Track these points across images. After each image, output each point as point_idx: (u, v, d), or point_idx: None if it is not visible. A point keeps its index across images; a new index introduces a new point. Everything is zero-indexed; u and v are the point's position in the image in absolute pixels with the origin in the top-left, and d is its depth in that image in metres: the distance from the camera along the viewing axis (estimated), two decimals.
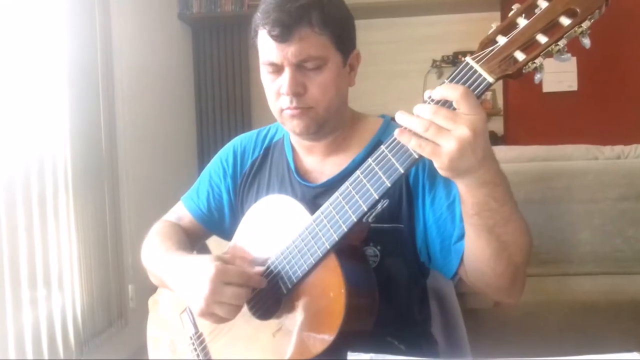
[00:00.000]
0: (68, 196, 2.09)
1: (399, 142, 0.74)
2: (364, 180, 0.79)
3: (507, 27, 0.71)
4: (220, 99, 3.50)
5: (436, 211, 0.91)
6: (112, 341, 2.33)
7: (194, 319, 1.01)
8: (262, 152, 1.09)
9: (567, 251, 2.09)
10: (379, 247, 0.93)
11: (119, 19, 2.52)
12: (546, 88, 3.38)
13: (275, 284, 0.89)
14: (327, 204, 0.83)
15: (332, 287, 0.81)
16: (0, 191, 1.77)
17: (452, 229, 0.89)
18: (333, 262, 0.82)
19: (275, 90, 0.93)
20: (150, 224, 1.14)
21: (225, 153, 1.12)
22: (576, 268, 2.08)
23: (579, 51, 0.73)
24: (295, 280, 0.86)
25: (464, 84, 0.70)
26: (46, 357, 1.93)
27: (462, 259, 0.88)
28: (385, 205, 0.91)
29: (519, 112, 3.51)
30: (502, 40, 0.70)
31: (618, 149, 2.20)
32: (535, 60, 0.69)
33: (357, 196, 0.79)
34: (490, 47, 0.71)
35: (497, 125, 3.48)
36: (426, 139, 0.69)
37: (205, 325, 0.99)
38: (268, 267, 0.90)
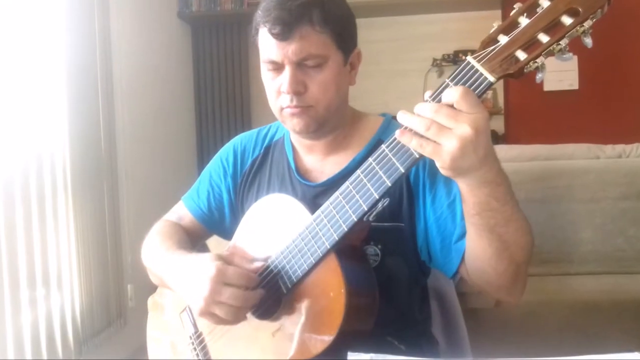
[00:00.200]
0: (67, 196, 2.09)
1: (399, 142, 0.74)
2: (365, 180, 0.78)
3: (509, 27, 0.71)
4: (220, 98, 3.49)
5: (437, 210, 0.91)
6: (111, 341, 2.32)
7: (193, 318, 1.01)
8: (262, 151, 1.09)
9: (568, 250, 2.09)
10: (379, 246, 0.93)
11: (118, 18, 2.52)
12: (547, 87, 3.38)
13: (275, 284, 0.88)
14: (327, 203, 0.83)
15: (332, 286, 0.81)
16: None
17: (453, 227, 0.89)
18: (333, 261, 0.82)
19: (276, 89, 0.93)
20: (149, 223, 1.14)
21: (225, 152, 1.12)
22: (577, 267, 2.08)
23: (580, 50, 0.73)
24: (295, 280, 0.86)
25: (465, 83, 0.70)
26: (45, 357, 1.93)
27: (463, 258, 0.88)
28: (385, 204, 0.91)
29: (520, 111, 3.50)
30: (503, 39, 0.70)
31: (619, 148, 2.20)
32: (537, 60, 0.69)
33: (357, 196, 0.79)
34: (492, 46, 0.70)
35: (498, 124, 3.47)
36: (427, 138, 0.69)
37: (204, 325, 0.98)
38: (268, 267, 0.90)
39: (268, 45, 0.91)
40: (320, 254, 0.83)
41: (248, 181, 1.08)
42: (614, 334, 1.79)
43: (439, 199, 0.91)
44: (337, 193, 0.82)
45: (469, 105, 0.68)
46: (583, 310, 1.86)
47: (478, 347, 1.15)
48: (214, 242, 1.16)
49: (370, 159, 0.78)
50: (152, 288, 1.13)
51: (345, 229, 0.80)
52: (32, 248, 1.90)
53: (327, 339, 0.80)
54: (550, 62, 0.70)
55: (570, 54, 0.69)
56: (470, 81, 0.70)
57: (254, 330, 0.91)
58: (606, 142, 2.27)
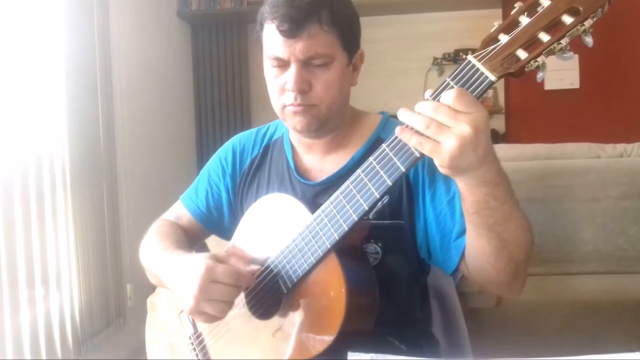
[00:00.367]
0: (66, 195, 2.09)
1: (400, 141, 0.74)
2: (365, 179, 0.78)
3: (509, 26, 0.71)
4: (219, 96, 3.49)
5: (436, 207, 0.91)
6: (110, 341, 2.32)
7: (193, 319, 1.01)
8: (261, 150, 1.08)
9: (569, 250, 2.09)
10: (380, 244, 0.93)
11: (118, 16, 2.51)
12: (548, 86, 3.37)
13: (275, 284, 0.88)
14: (327, 202, 0.83)
15: (332, 286, 0.81)
16: None
17: (452, 224, 0.89)
18: (334, 261, 0.82)
19: (279, 86, 0.92)
20: (148, 222, 1.13)
21: (224, 152, 1.12)
22: (578, 267, 2.08)
23: (581, 49, 0.72)
24: (295, 280, 0.86)
25: (466, 82, 0.70)
26: (44, 357, 1.92)
27: (463, 255, 0.88)
28: (385, 201, 0.91)
29: (521, 110, 3.50)
30: (504, 38, 0.70)
31: (620, 147, 2.20)
32: (538, 59, 0.69)
33: (358, 195, 0.79)
34: (493, 45, 0.70)
35: (499, 123, 3.47)
36: (427, 136, 0.69)
37: (204, 325, 0.98)
38: (268, 266, 0.90)
39: (274, 42, 0.90)
40: (321, 254, 0.82)
41: (247, 181, 1.08)
42: (614, 333, 1.79)
43: (439, 196, 0.91)
44: (337, 192, 0.82)
45: (465, 105, 0.68)
46: (584, 310, 1.86)
47: (478, 346, 1.15)
48: (213, 242, 1.16)
49: (370, 158, 0.78)
50: (151, 288, 1.12)
51: (346, 229, 0.80)
52: (31, 247, 1.89)
53: (328, 338, 0.80)
54: (551, 61, 0.70)
55: (571, 53, 0.69)
56: (471, 80, 0.70)
57: (254, 330, 0.90)
58: (607, 141, 2.27)
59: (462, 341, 1.14)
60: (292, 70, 0.90)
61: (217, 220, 1.11)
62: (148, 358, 1.11)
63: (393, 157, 0.75)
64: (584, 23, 0.67)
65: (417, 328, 1.01)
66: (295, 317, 0.86)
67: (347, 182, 0.81)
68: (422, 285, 1.04)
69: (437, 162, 0.70)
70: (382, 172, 0.76)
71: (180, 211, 1.14)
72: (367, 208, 0.79)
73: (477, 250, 0.82)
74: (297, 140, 1.03)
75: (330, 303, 0.81)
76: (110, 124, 2.41)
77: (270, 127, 1.11)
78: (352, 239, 0.85)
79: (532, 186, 2.09)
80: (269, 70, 0.94)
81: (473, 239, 0.81)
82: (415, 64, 3.48)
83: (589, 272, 2.07)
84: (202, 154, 3.44)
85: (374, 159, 0.77)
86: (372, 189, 0.77)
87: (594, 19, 0.67)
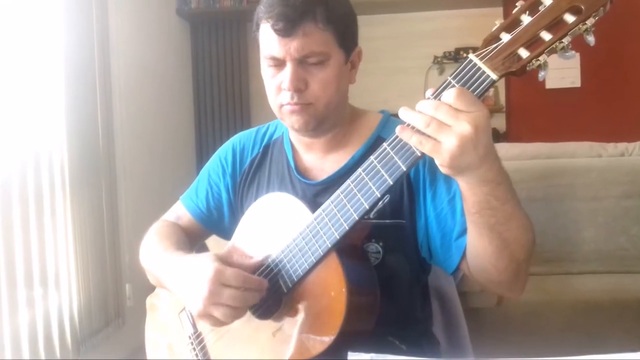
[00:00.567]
0: (65, 194, 2.08)
1: (401, 140, 0.74)
2: (366, 178, 0.78)
3: (511, 24, 0.71)
4: (219, 95, 3.48)
5: (437, 206, 0.91)
6: (109, 341, 2.31)
7: (193, 318, 1.00)
8: (261, 149, 1.08)
9: (570, 250, 2.09)
10: (381, 244, 0.93)
11: (117, 14, 2.50)
12: (549, 84, 3.36)
13: (275, 283, 0.88)
14: (328, 202, 0.83)
15: (333, 286, 0.81)
16: None
17: (453, 224, 0.89)
18: (334, 260, 0.82)
19: (276, 85, 0.92)
20: (147, 222, 1.13)
21: (224, 151, 1.11)
22: (579, 267, 2.08)
23: (582, 47, 0.72)
24: (295, 279, 0.85)
25: (467, 81, 0.70)
26: (43, 357, 1.92)
27: (464, 255, 0.88)
28: (386, 200, 0.91)
29: (522, 109, 3.49)
30: (505, 37, 0.70)
31: (622, 146, 2.20)
32: (539, 58, 0.69)
33: (359, 194, 0.79)
34: (494, 44, 0.70)
35: (499, 122, 3.47)
36: (428, 135, 0.69)
37: (204, 325, 0.97)
38: (268, 266, 0.89)
39: (270, 41, 0.90)
40: (322, 253, 0.82)
41: (247, 180, 1.07)
42: (616, 333, 1.79)
43: (439, 195, 0.91)
44: (338, 192, 0.82)
45: (465, 104, 0.68)
46: (585, 309, 1.86)
47: (479, 346, 1.15)
48: (213, 242, 1.16)
49: (371, 157, 0.78)
50: (151, 288, 1.12)
51: (347, 228, 0.80)
52: (30, 247, 1.88)
53: (328, 339, 0.79)
54: (552, 60, 0.70)
55: (573, 52, 0.69)
56: (473, 79, 0.70)
57: (254, 330, 0.90)
58: (608, 140, 2.27)
59: (462, 341, 1.14)
60: (288, 69, 0.90)
61: (218, 220, 1.11)
62: (147, 358, 1.11)
63: (394, 156, 0.75)
64: (586, 22, 0.66)
65: (417, 328, 1.00)
66: (296, 317, 0.85)
67: (348, 181, 0.80)
68: (423, 285, 1.04)
69: (437, 162, 0.70)
70: (383, 171, 0.76)
71: (180, 211, 1.14)
72: (368, 207, 0.78)
73: (479, 250, 0.82)
74: (297, 139, 1.02)
75: (330, 303, 0.81)
76: (109, 123, 2.41)
77: (270, 126, 1.10)
78: (353, 239, 0.85)
79: (533, 185, 2.09)
80: (266, 70, 0.94)
81: (474, 239, 0.81)
82: (416, 63, 3.47)
83: (590, 272, 2.07)
84: (202, 153, 3.44)
85: (375, 158, 0.77)
86: (373, 188, 0.77)
87: (596, 18, 0.67)
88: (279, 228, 0.90)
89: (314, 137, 0.99)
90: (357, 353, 0.60)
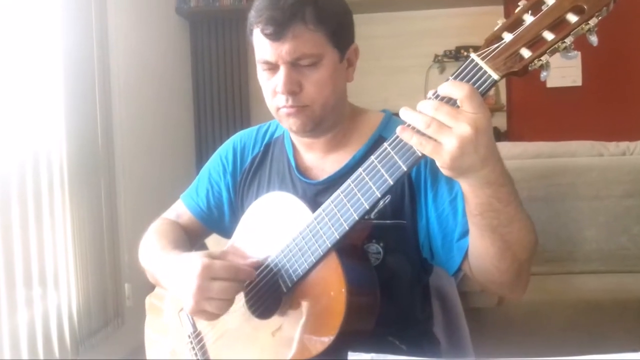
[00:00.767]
0: (64, 193, 2.08)
1: (402, 140, 0.73)
2: (366, 178, 0.78)
3: (513, 24, 0.70)
4: (218, 94, 3.48)
5: (438, 207, 0.91)
6: (108, 341, 2.31)
7: (192, 318, 1.00)
8: (262, 148, 1.08)
9: (571, 249, 2.09)
10: (382, 244, 0.93)
11: (116, 13, 2.50)
12: (550, 83, 3.35)
13: (275, 283, 0.88)
14: (328, 201, 0.82)
15: (332, 286, 0.80)
16: None
17: (454, 225, 0.89)
18: (334, 260, 0.81)
19: (272, 89, 0.92)
20: (147, 221, 1.13)
21: (224, 150, 1.11)
22: (581, 266, 2.08)
23: (584, 46, 0.72)
24: (295, 279, 0.85)
25: (468, 80, 0.70)
26: (41, 357, 1.91)
27: (466, 255, 0.87)
28: (387, 201, 0.91)
29: (523, 108, 3.49)
30: (507, 37, 0.70)
31: (623, 145, 2.20)
32: (542, 58, 0.68)
33: (359, 194, 0.79)
34: (496, 43, 0.70)
35: (501, 121, 3.46)
36: (428, 136, 0.69)
37: (203, 324, 0.97)
38: (268, 265, 0.89)
39: (262, 46, 0.90)
40: (321, 253, 0.82)
41: (248, 179, 1.07)
42: (617, 333, 1.79)
43: (441, 195, 0.91)
44: (338, 191, 0.81)
45: (472, 106, 0.67)
46: (586, 309, 1.85)
47: (480, 346, 1.15)
48: (213, 241, 1.16)
49: (372, 157, 0.77)
50: (150, 287, 1.12)
51: (347, 228, 0.80)
52: (29, 246, 1.88)
53: (327, 339, 0.79)
54: (553, 59, 0.69)
55: (575, 52, 0.68)
56: (474, 79, 0.70)
57: (254, 329, 0.90)
58: (610, 139, 2.27)
59: (463, 341, 1.14)
60: (281, 72, 0.90)
61: (218, 219, 1.11)
62: (147, 358, 1.11)
63: (395, 156, 0.74)
64: (589, 22, 0.66)
65: (418, 328, 1.00)
66: (295, 317, 0.85)
67: (348, 181, 0.80)
68: (424, 285, 1.04)
69: (438, 163, 0.70)
70: (383, 171, 0.76)
71: (180, 210, 1.13)
72: (368, 207, 0.78)
73: (481, 251, 0.81)
74: (298, 139, 1.02)
75: (330, 303, 0.80)
76: (108, 122, 2.41)
77: (272, 125, 1.10)
78: (353, 239, 0.85)
79: (534, 185, 2.08)
80: (261, 74, 0.94)
81: (476, 240, 0.81)
82: (416, 61, 3.46)
83: (592, 271, 2.07)
84: (201, 152, 3.44)
85: (376, 158, 0.77)
86: (374, 188, 0.77)
87: (599, 18, 0.66)
88: (279, 227, 0.90)
89: (313, 138, 0.98)
90: (357, 353, 0.60)
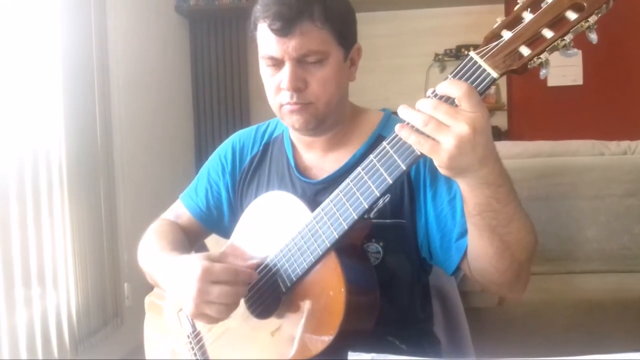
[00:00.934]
0: (63, 193, 2.07)
1: (401, 139, 0.73)
2: (365, 177, 0.77)
3: (513, 22, 0.70)
4: (218, 93, 3.48)
5: (437, 206, 0.91)
6: (107, 340, 2.31)
7: (192, 317, 0.99)
8: (261, 148, 1.08)
9: (572, 249, 2.09)
10: (381, 244, 0.93)
11: (115, 12, 2.50)
12: (551, 82, 3.36)
13: (274, 283, 0.87)
14: (327, 201, 0.82)
15: (332, 285, 0.80)
16: None
17: (453, 224, 0.89)
18: (333, 260, 0.81)
19: (275, 85, 0.92)
20: (146, 220, 1.12)
21: (223, 149, 1.11)
22: (582, 266, 2.08)
23: (584, 45, 0.71)
24: (294, 279, 0.85)
25: (467, 79, 0.69)
26: (40, 357, 1.91)
27: (464, 255, 0.87)
28: (387, 200, 0.91)
29: (523, 107, 3.49)
30: (507, 34, 0.69)
31: (624, 144, 2.20)
32: (541, 56, 0.68)
33: (358, 193, 0.78)
34: (495, 41, 0.70)
35: (501, 120, 3.46)
36: (427, 135, 0.68)
37: (202, 324, 0.97)
38: (267, 265, 0.89)
39: (267, 41, 0.90)
40: (320, 253, 0.81)
41: (247, 179, 1.07)
42: (618, 333, 1.79)
43: (440, 195, 0.90)
44: (337, 190, 0.81)
45: (470, 105, 0.67)
46: (587, 309, 1.85)
47: (480, 346, 1.16)
48: (213, 242, 1.16)
49: (371, 156, 0.77)
50: (149, 287, 1.12)
51: (346, 227, 0.79)
52: (27, 246, 1.88)
53: (327, 338, 0.79)
54: (554, 57, 0.69)
55: (575, 49, 0.68)
56: (473, 77, 0.69)
57: (253, 329, 0.89)
58: (611, 138, 2.27)
59: (464, 341, 1.14)
60: (287, 68, 0.89)
61: (217, 219, 1.10)
62: (146, 358, 1.10)
63: (394, 154, 0.74)
64: (589, 19, 0.65)
65: (418, 328, 1.00)
66: (295, 317, 0.85)
67: (347, 180, 0.80)
68: (424, 285, 1.03)
69: (436, 162, 0.70)
70: (382, 170, 0.75)
71: (179, 210, 1.13)
72: (367, 206, 0.78)
73: (479, 251, 0.81)
74: (298, 138, 1.02)
75: (329, 303, 0.80)
76: (107, 121, 2.40)
77: (271, 124, 1.10)
78: (353, 238, 0.85)
79: (534, 184, 2.08)
80: (264, 70, 0.93)
81: (475, 241, 0.81)
82: (417, 60, 3.47)
83: (593, 271, 2.06)
84: (200, 151, 3.44)
85: (375, 157, 0.76)
86: (372, 187, 0.77)
87: (599, 15, 0.66)
88: (278, 227, 0.89)
89: (314, 136, 0.98)
90: (357, 353, 0.60)
